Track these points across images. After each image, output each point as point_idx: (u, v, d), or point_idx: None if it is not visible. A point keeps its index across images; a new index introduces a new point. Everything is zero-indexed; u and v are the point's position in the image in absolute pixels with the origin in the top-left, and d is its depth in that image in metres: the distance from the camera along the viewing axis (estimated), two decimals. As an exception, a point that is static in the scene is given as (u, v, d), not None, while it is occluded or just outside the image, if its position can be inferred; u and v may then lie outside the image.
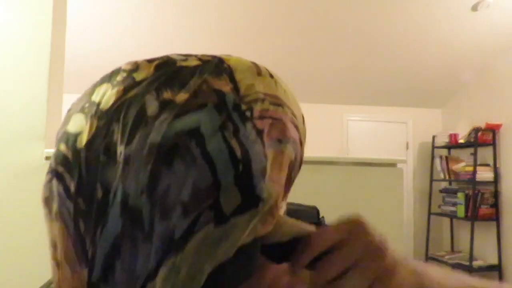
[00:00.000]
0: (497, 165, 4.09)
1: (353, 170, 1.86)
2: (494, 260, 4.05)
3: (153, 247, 0.22)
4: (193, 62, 0.29)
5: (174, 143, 0.24)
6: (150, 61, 0.29)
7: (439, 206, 4.57)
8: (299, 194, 1.75)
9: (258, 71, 0.31)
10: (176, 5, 3.19)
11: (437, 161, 4.51)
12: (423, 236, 4.72)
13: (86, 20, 3.29)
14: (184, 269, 0.23)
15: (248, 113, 0.27)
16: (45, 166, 1.60)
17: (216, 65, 0.29)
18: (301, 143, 0.32)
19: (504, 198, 4.05)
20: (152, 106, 0.25)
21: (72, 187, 0.24)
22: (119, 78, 0.28)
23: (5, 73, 1.63)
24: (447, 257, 4.30)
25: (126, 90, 0.27)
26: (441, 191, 4.61)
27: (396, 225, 1.84)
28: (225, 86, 0.28)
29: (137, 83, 0.27)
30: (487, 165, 4.13)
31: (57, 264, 0.25)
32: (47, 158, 1.61)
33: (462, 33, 3.66)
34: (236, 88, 0.28)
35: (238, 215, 0.25)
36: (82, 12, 3.18)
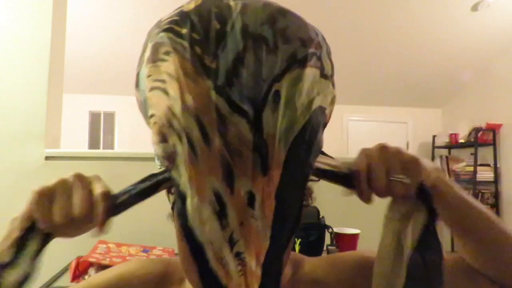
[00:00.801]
0: (497, 165, 4.09)
1: (353, 170, 1.85)
2: (494, 260, 4.05)
3: (278, 59, 0.30)
4: None
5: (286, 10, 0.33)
6: None
7: (439, 206, 4.56)
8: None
9: None
10: (176, 6, 3.19)
11: (437, 161, 4.50)
12: (423, 236, 4.71)
13: (86, 21, 3.29)
14: (304, 81, 0.31)
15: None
16: (45, 166, 1.60)
17: None
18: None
19: (504, 198, 4.04)
20: None
21: (184, 31, 0.31)
22: None
23: (5, 73, 1.63)
24: (447, 257, 4.30)
25: None
26: (441, 191, 4.60)
27: (396, 225, 1.84)
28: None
29: None
30: (488, 165, 4.13)
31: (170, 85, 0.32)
32: (47, 158, 1.60)
33: (462, 33, 3.65)
34: None
35: (329, 79, 0.35)
36: (82, 13, 3.18)
